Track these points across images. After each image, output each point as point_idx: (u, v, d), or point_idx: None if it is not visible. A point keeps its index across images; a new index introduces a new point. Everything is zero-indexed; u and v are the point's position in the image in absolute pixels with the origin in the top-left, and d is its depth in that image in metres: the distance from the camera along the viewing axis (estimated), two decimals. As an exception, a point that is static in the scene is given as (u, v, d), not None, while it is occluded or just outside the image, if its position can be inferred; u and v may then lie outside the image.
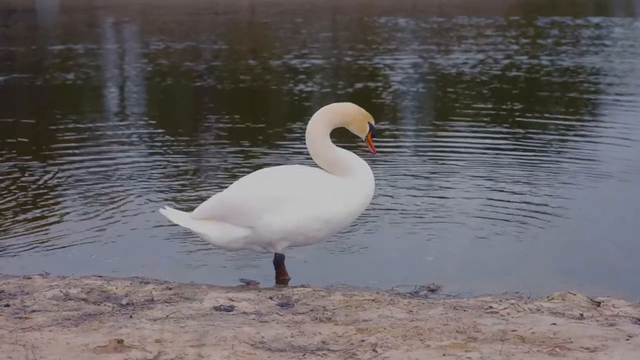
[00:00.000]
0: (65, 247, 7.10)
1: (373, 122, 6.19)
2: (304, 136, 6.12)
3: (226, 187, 6.27)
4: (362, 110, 6.14)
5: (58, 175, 9.44)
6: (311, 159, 6.15)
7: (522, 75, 17.15)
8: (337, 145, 6.11)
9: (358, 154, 6.17)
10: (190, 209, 6.40)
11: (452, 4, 38.15)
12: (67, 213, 8.06)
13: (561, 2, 38.12)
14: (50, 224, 7.72)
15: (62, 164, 9.94)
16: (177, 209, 6.48)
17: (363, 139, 6.24)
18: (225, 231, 6.06)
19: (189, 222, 6.13)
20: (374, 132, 6.23)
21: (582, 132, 11.84)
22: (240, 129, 12.30)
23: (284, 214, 5.94)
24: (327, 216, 5.97)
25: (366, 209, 6.31)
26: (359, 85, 16.34)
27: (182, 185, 9.01)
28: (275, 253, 6.17)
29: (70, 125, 12.43)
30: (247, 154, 10.56)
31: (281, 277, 6.24)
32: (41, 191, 8.79)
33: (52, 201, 8.42)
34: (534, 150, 10.45)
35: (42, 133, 11.97)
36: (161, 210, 6.19)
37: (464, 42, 23.33)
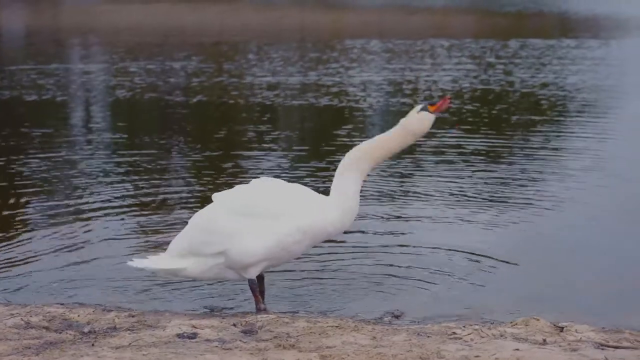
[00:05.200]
0: (26, 274, 7.01)
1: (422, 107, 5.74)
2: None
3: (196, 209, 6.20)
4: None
5: (21, 200, 9.34)
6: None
7: (495, 91, 17.28)
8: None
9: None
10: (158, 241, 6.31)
11: (420, 26, 38.40)
12: (29, 240, 7.96)
13: (528, 25, 38.49)
14: (12, 251, 7.62)
15: (26, 188, 9.85)
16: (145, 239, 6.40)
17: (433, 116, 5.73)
18: (199, 261, 5.80)
19: (162, 262, 5.89)
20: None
21: (548, 156, 11.90)
22: (212, 145, 12.27)
23: (261, 232, 5.67)
24: (305, 227, 5.68)
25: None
26: (327, 100, 16.48)
27: (148, 213, 8.90)
28: (249, 279, 5.81)
29: (38, 147, 12.31)
30: (220, 170, 10.55)
31: (257, 306, 5.87)
32: (2, 218, 8.69)
33: (13, 228, 8.32)
34: (502, 177, 10.44)
35: (9, 151, 11.85)
36: (129, 263, 5.97)
37: (438, 61, 23.47)
